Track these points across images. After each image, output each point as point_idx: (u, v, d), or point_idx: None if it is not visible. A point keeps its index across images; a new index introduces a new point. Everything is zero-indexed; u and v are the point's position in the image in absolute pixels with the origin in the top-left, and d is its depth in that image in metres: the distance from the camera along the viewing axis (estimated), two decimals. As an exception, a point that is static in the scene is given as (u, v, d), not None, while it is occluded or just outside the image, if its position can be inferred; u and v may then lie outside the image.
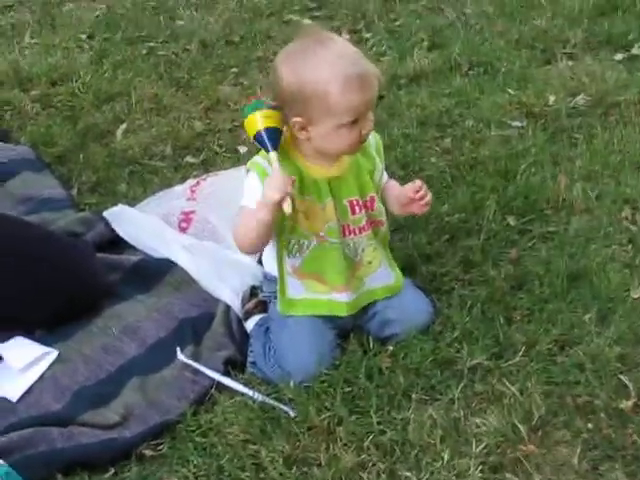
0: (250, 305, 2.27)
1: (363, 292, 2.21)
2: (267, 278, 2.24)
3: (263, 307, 2.25)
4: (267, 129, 2.04)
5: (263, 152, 2.09)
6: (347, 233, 2.15)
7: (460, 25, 3.95)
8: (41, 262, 2.07)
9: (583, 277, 2.38)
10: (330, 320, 2.17)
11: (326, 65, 1.97)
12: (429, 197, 2.16)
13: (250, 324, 2.25)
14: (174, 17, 4.26)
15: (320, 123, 2.00)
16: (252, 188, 2.07)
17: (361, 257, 2.18)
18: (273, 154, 2.03)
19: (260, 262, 2.29)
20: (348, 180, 2.14)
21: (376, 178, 2.20)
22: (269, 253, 2.19)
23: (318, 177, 2.10)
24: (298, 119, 2.02)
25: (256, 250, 2.20)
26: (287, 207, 1.96)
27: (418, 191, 2.13)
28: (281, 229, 2.09)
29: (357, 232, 2.16)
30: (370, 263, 2.20)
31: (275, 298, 2.19)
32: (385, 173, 2.25)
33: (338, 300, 2.17)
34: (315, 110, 1.99)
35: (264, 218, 2.00)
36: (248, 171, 2.11)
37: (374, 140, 2.20)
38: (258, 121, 2.04)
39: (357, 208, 2.15)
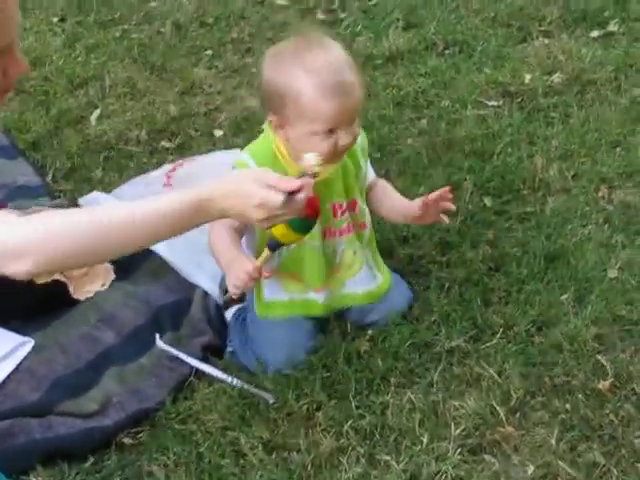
0: (229, 295, 2.26)
1: (342, 294, 2.17)
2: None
3: (241, 296, 2.23)
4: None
5: (248, 146, 2.08)
6: (327, 235, 2.11)
7: (435, 3, 3.93)
8: None
9: (560, 257, 2.38)
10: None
11: (305, 68, 1.90)
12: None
13: (229, 314, 2.24)
14: (147, -2, 4.22)
15: (295, 125, 1.94)
16: None
17: (340, 259, 2.15)
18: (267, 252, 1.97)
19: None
20: (335, 183, 2.07)
21: (360, 180, 2.14)
22: (246, 248, 2.14)
23: None
24: (274, 117, 1.97)
25: None
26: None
27: (428, 204, 2.11)
28: (261, 239, 2.06)
29: (338, 234, 2.11)
30: (350, 267, 2.16)
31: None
32: (372, 171, 2.22)
33: (314, 299, 2.14)
34: (290, 111, 1.93)
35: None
36: (234, 168, 2.04)
37: (360, 139, 2.11)
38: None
39: (339, 211, 2.10)
